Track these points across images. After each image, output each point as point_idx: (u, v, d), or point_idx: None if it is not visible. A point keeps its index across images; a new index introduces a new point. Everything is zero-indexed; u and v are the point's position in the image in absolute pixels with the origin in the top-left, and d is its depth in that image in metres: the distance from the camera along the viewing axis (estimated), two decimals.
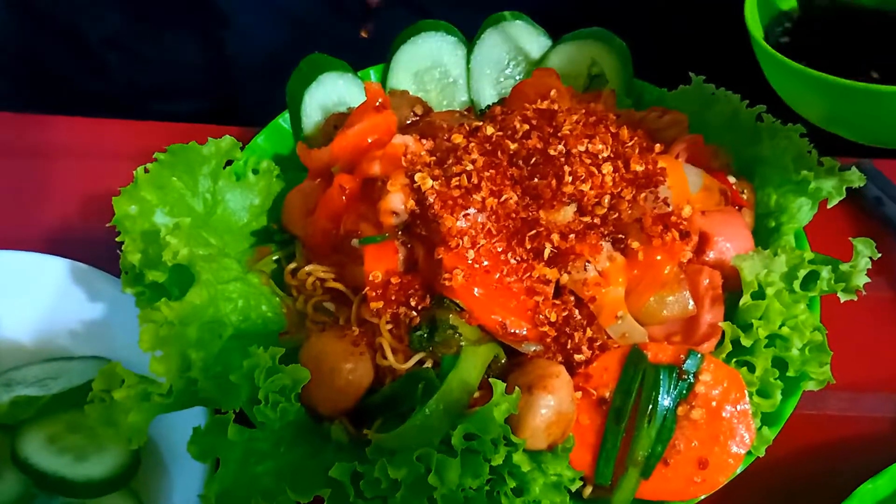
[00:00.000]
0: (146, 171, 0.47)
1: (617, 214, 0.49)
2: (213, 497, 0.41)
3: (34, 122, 0.62)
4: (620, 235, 0.49)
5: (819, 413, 0.55)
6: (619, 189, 0.49)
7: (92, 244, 0.55)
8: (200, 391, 0.41)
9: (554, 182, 0.48)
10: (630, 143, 0.51)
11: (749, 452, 0.47)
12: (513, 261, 0.48)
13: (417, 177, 0.48)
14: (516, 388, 0.43)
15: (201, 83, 0.85)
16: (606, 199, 0.49)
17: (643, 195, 0.49)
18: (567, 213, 0.48)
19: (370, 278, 0.48)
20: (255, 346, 0.40)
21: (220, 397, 0.41)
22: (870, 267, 0.51)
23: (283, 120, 0.62)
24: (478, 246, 0.47)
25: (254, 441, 0.43)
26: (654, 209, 0.49)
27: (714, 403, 0.46)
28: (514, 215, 0.49)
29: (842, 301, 0.51)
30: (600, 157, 0.49)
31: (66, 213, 0.61)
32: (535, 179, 0.49)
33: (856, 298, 0.50)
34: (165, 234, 0.43)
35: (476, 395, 0.45)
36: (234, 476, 0.42)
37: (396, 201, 0.48)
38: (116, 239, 0.47)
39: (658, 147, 0.52)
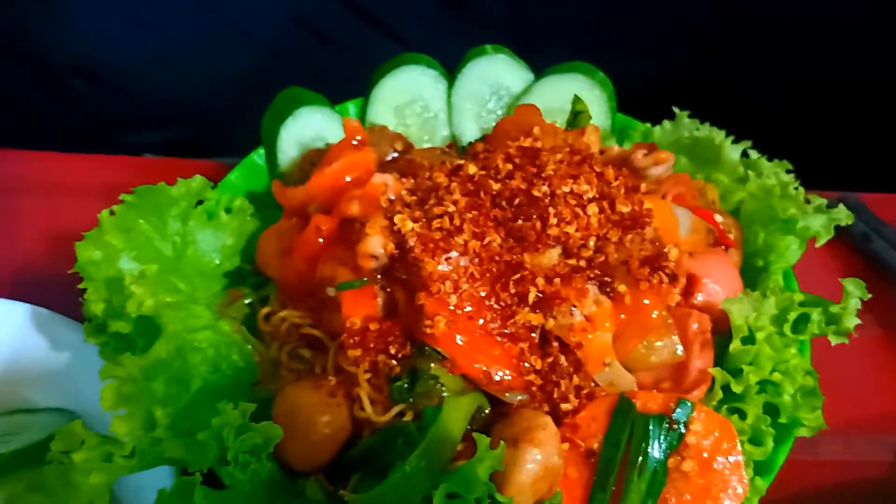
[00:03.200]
0: (112, 213, 0.44)
1: (603, 257, 0.47)
2: None
3: None
4: (607, 279, 0.47)
5: (812, 459, 0.53)
6: (605, 231, 0.47)
7: (55, 286, 0.52)
8: (166, 450, 0.39)
9: (539, 224, 0.47)
10: (615, 183, 0.49)
11: None
12: (496, 306, 0.46)
13: (397, 219, 0.47)
14: (501, 442, 0.41)
15: (168, 113, 0.82)
16: (592, 241, 0.47)
17: (629, 237, 0.48)
18: (552, 255, 0.46)
19: (348, 325, 0.46)
20: (224, 401, 0.38)
21: (187, 457, 0.39)
22: (860, 307, 0.50)
23: (258, 156, 0.60)
24: (460, 291, 0.45)
25: (224, 500, 0.40)
26: (641, 251, 0.48)
27: (705, 454, 0.44)
28: (497, 258, 0.47)
29: (833, 344, 0.50)
30: (585, 197, 0.48)
31: (29, 253, 0.59)
32: (519, 221, 0.47)
33: (847, 342, 0.49)
34: (130, 282, 0.40)
35: (459, 447, 0.43)
36: None
37: (375, 244, 0.46)
38: (79, 286, 0.44)
39: (644, 186, 0.51)
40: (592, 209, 0.47)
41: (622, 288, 0.47)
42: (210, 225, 0.52)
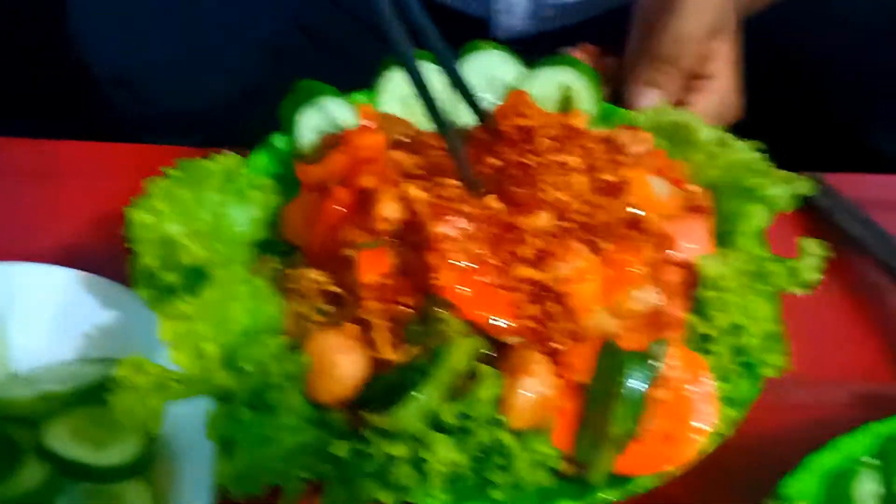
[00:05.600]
0: (157, 184, 0.51)
1: (589, 219, 0.54)
2: (228, 479, 0.45)
3: (48, 148, 0.67)
4: (593, 238, 0.54)
5: (783, 402, 0.59)
6: (591, 196, 0.54)
7: (96, 259, 0.59)
8: (214, 378, 0.45)
9: (530, 190, 0.53)
10: (601, 157, 0.56)
11: (717, 433, 0.52)
12: (495, 262, 0.53)
13: (408, 187, 0.53)
14: (501, 373, 0.48)
15: (193, 118, 0.90)
16: (578, 204, 0.54)
17: (612, 202, 0.54)
18: (543, 218, 0.53)
19: (365, 281, 0.52)
20: (265, 334, 0.45)
21: (231, 384, 0.45)
22: (822, 266, 0.57)
23: (277, 140, 0.66)
24: (463, 249, 0.52)
25: (262, 427, 0.47)
26: (622, 215, 0.55)
27: (679, 385, 0.50)
28: (494, 221, 0.54)
29: (797, 294, 0.56)
30: (572, 167, 0.54)
31: (75, 229, 0.65)
32: (514, 188, 0.54)
33: (808, 293, 0.56)
34: (182, 237, 0.47)
35: (464, 382, 0.49)
36: (246, 460, 0.46)
37: (390, 208, 0.53)
38: (129, 246, 0.51)
39: (625, 160, 0.57)
40: (579, 178, 0.54)
41: (606, 245, 0.53)
42: (240, 199, 0.58)
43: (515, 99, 0.63)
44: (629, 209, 0.55)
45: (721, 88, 0.72)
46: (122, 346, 0.55)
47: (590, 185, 0.54)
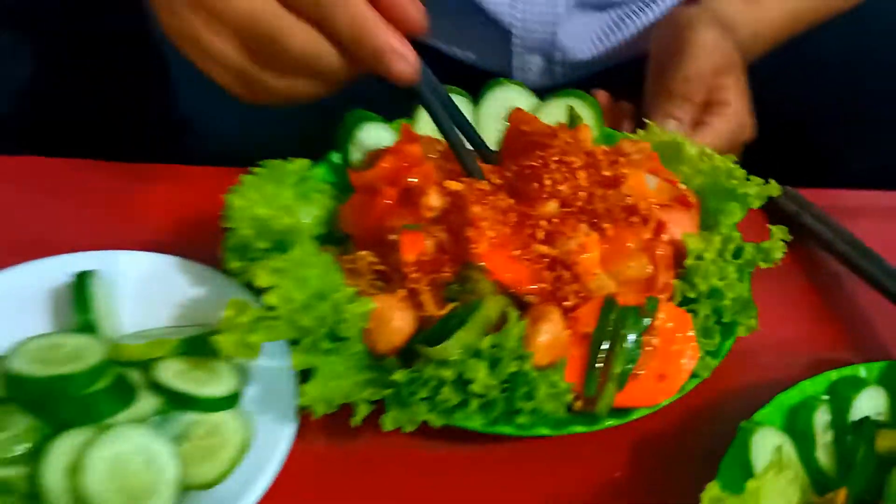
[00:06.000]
0: (248, 178, 0.64)
1: (592, 206, 0.66)
2: (311, 400, 0.57)
3: (136, 168, 0.81)
4: (595, 220, 0.66)
5: (751, 362, 0.71)
6: (593, 188, 0.67)
7: (183, 247, 0.72)
8: (298, 320, 0.57)
9: (537, 185, 0.66)
10: (601, 158, 0.69)
11: (696, 375, 0.63)
12: (517, 241, 0.65)
13: (448, 182, 0.66)
14: (526, 318, 0.60)
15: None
16: (582, 195, 0.66)
17: (611, 192, 0.67)
18: (551, 206, 0.66)
19: (406, 259, 0.64)
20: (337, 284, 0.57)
21: (312, 325, 0.57)
22: (785, 250, 0.69)
23: (333, 156, 0.80)
24: (493, 228, 0.64)
25: (336, 360, 0.59)
26: (620, 203, 0.67)
27: (667, 333, 0.62)
28: (514, 210, 0.66)
29: (762, 268, 0.68)
30: (574, 166, 0.67)
31: (165, 225, 0.78)
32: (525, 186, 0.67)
33: (773, 265, 0.68)
34: (274, 210, 0.60)
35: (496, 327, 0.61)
36: (324, 385, 0.58)
37: (434, 199, 0.66)
38: (226, 225, 0.63)
39: (622, 160, 0.70)
40: (581, 174, 0.67)
41: (607, 226, 0.66)
42: (307, 198, 0.71)
43: (517, 113, 0.77)
44: (625, 198, 0.67)
45: (735, 113, 0.84)
46: (206, 315, 0.67)
47: (590, 178, 0.67)
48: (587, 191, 0.67)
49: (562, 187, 0.66)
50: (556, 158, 0.67)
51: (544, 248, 0.64)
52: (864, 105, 1.03)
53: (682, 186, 0.73)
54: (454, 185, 0.66)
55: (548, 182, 0.66)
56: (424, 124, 0.84)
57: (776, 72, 1.00)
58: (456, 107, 0.72)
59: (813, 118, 1.04)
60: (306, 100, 0.67)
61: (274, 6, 0.61)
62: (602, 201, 0.67)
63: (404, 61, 0.62)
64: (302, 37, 0.61)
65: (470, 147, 0.73)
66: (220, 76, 0.66)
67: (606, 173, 0.67)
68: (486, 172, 0.69)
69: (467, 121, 0.73)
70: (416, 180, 0.69)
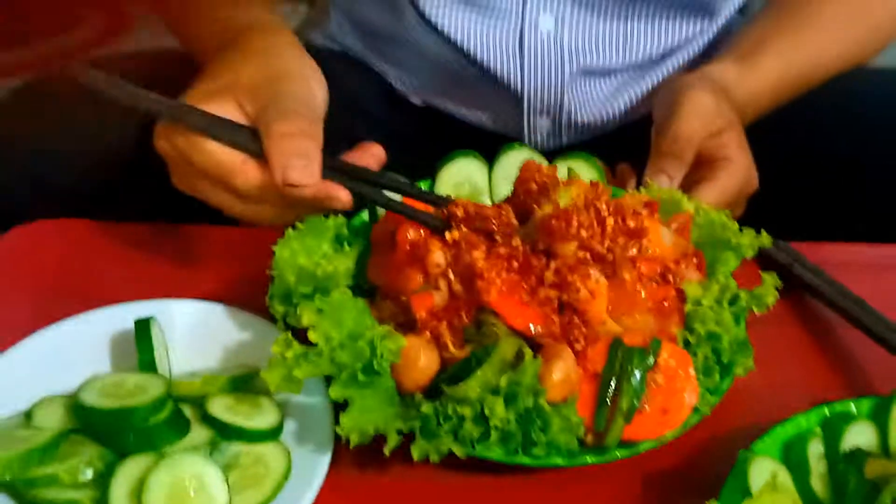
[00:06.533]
0: (294, 228, 0.72)
1: (612, 256, 0.71)
2: (346, 430, 0.63)
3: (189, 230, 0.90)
4: (611, 268, 0.71)
5: (745, 401, 0.76)
6: (616, 236, 0.72)
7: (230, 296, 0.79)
8: (337, 357, 0.64)
9: (565, 224, 0.70)
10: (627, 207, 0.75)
11: (697, 411, 0.69)
12: (525, 286, 0.71)
13: (447, 235, 0.72)
14: (539, 357, 0.66)
15: None
16: (602, 242, 0.72)
17: (632, 242, 0.73)
18: (571, 247, 0.71)
19: (418, 317, 0.70)
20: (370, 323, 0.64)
21: (350, 361, 0.64)
22: (777, 297, 0.75)
23: (364, 215, 0.87)
24: (501, 276, 0.70)
25: (367, 397, 0.65)
26: (640, 255, 0.73)
27: (670, 371, 0.69)
28: (519, 258, 0.72)
29: (756, 314, 0.75)
30: (604, 214, 0.73)
31: (213, 276, 0.86)
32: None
33: (765, 311, 0.74)
34: (316, 260, 0.67)
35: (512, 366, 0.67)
36: (356, 418, 0.64)
37: (438, 256, 0.71)
38: (272, 273, 0.71)
39: (644, 212, 0.76)
40: (609, 220, 0.73)
41: (627, 275, 0.72)
42: (341, 253, 0.79)
43: (528, 165, 0.83)
44: (644, 249, 0.73)
45: (739, 167, 0.89)
46: (249, 357, 0.74)
47: (616, 227, 0.72)
48: (609, 237, 0.71)
49: (584, 232, 0.71)
50: (586, 204, 0.72)
51: (552, 293, 0.71)
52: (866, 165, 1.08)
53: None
54: (454, 235, 0.71)
55: (574, 224, 0.71)
56: (444, 184, 0.93)
57: (780, 129, 1.06)
58: (398, 180, 0.78)
59: (817, 177, 1.09)
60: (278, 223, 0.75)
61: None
62: (623, 250, 0.72)
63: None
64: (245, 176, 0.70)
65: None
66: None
67: (631, 224, 0.73)
68: (491, 219, 0.74)
69: (411, 184, 0.80)
70: (411, 236, 0.74)
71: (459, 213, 0.73)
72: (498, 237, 0.73)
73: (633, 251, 0.73)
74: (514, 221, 0.74)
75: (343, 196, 0.72)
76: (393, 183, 0.77)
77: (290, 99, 0.69)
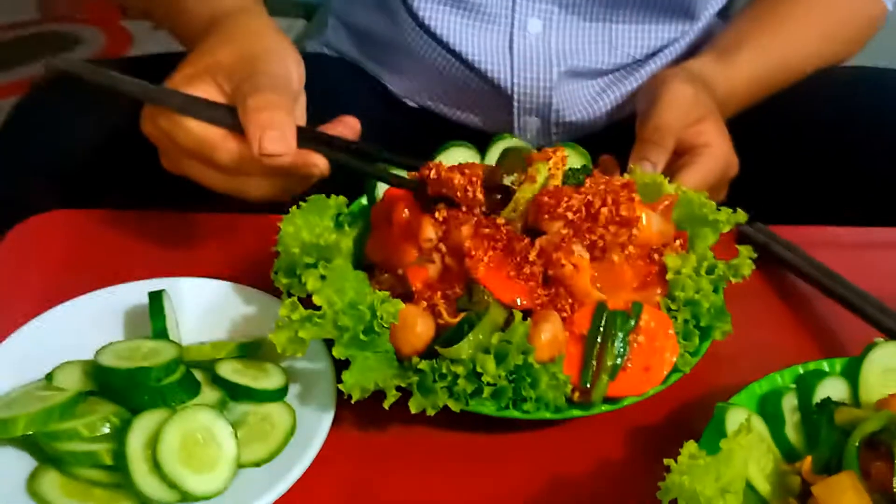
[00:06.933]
0: (298, 207, 0.77)
1: (603, 242, 0.75)
2: (348, 387, 0.67)
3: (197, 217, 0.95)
4: (600, 247, 0.75)
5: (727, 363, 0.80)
6: (607, 224, 0.75)
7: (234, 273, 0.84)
8: (339, 320, 0.68)
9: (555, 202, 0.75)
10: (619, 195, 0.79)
11: (678, 369, 0.73)
12: (511, 262, 0.75)
13: (439, 214, 0.76)
14: (528, 320, 0.71)
15: None
16: (599, 231, 0.75)
17: (623, 230, 0.77)
18: (556, 225, 0.76)
19: (414, 289, 0.74)
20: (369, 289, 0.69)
21: (352, 324, 0.68)
22: (753, 267, 0.80)
23: (362, 199, 0.92)
24: (487, 253, 0.75)
25: (368, 357, 0.69)
26: (630, 239, 0.77)
27: (650, 332, 0.73)
28: (504, 239, 0.76)
29: (734, 283, 0.79)
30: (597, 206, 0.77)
31: (219, 256, 0.90)
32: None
33: (742, 280, 0.79)
34: (318, 233, 0.72)
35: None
36: (357, 375, 0.68)
37: (430, 231, 0.75)
38: (277, 248, 0.76)
39: (637, 198, 0.81)
40: (604, 211, 0.77)
41: (616, 257, 0.76)
42: (341, 231, 0.83)
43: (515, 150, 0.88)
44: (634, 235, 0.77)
45: (719, 153, 0.93)
46: (254, 329, 0.79)
47: (610, 214, 0.75)
48: (602, 225, 0.75)
49: (571, 215, 0.74)
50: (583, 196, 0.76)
51: (537, 268, 0.75)
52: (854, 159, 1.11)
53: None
54: (442, 212, 0.75)
55: (563, 204, 0.74)
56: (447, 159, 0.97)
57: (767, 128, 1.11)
58: (370, 147, 0.82)
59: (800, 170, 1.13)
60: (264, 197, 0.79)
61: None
62: (614, 237, 0.75)
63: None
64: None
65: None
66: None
67: (624, 213, 0.77)
68: (456, 189, 0.76)
69: (381, 150, 0.83)
70: (406, 214, 0.79)
71: (432, 174, 0.77)
72: (463, 207, 0.76)
73: (624, 238, 0.77)
74: (480, 196, 0.77)
75: (321, 163, 0.76)
76: (365, 149, 0.82)
77: (266, 76, 0.71)
